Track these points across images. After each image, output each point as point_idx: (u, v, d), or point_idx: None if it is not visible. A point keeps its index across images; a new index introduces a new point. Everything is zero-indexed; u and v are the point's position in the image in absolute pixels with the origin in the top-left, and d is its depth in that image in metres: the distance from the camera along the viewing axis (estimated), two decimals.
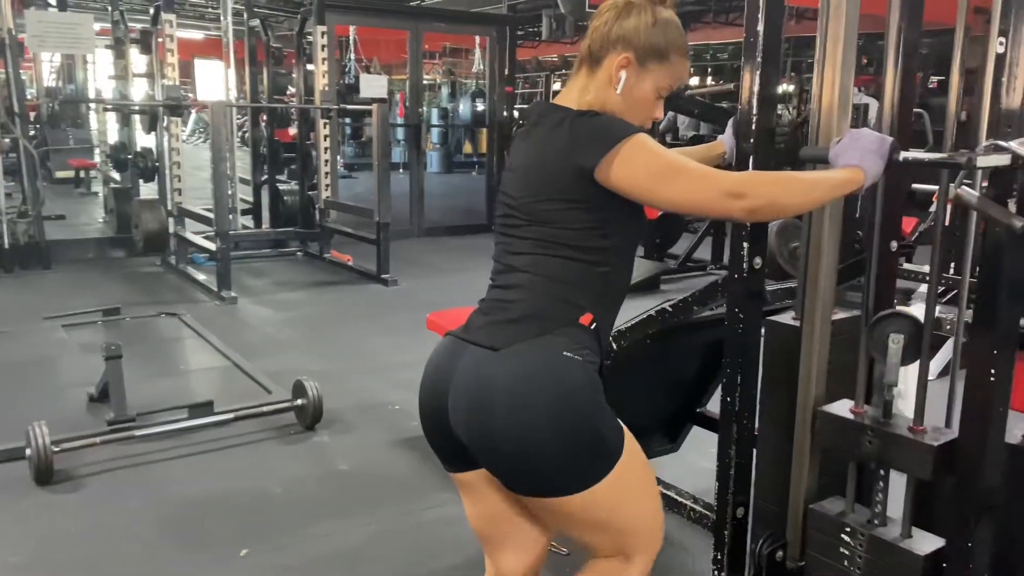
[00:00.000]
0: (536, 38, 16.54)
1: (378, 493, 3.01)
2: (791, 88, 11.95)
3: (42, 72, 12.30)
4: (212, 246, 6.03)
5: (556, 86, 21.47)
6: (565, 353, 1.44)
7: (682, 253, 7.15)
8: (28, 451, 2.97)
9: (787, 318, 2.04)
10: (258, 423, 3.53)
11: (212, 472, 3.14)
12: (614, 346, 2.41)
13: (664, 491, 2.38)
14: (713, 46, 16.26)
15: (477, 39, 13.99)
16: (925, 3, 1.93)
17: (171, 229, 6.73)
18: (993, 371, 1.54)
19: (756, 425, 2.04)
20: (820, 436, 1.87)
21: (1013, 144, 1.45)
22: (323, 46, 7.02)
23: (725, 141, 1.96)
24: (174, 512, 2.83)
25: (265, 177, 8.16)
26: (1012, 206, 1.47)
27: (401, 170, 15.27)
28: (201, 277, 6.37)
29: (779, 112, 9.32)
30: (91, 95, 10.75)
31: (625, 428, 1.53)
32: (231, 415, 3.43)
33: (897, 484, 1.75)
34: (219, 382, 4.01)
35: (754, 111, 1.86)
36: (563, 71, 21.50)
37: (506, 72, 9.28)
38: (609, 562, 1.58)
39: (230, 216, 6.55)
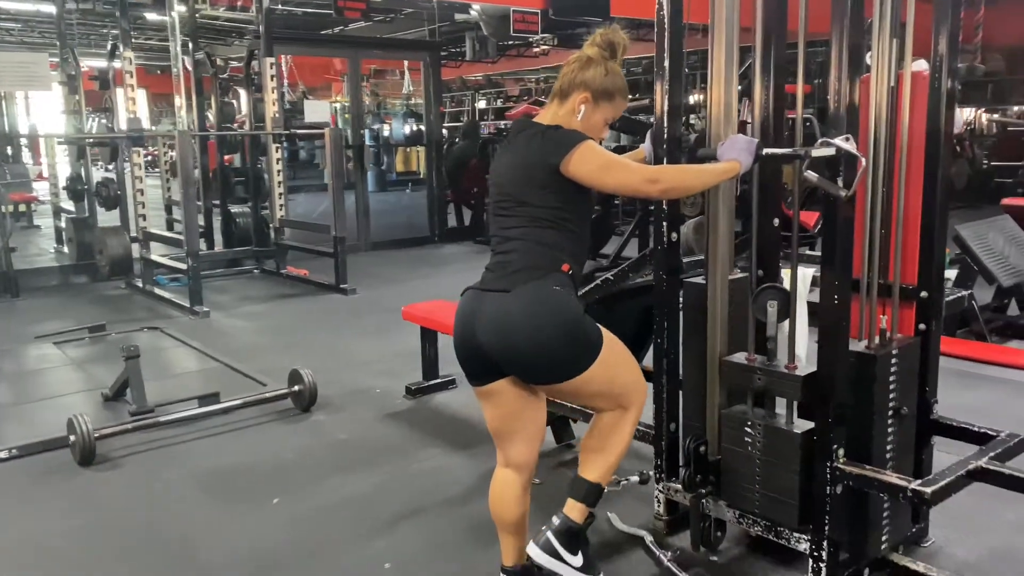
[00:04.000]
0: (460, 58, 17.20)
1: (375, 454, 3.58)
2: (702, 98, 12.86)
3: None
4: (182, 266, 6.46)
5: (481, 104, 22.22)
6: (555, 287, 2.13)
7: (612, 252, 7.87)
8: (72, 438, 3.44)
9: (699, 279, 2.71)
10: (260, 409, 4.06)
11: (231, 448, 3.67)
12: None
13: None
14: (628, 61, 17.19)
15: (406, 63, 14.60)
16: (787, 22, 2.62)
17: (135, 253, 7.13)
18: (836, 297, 2.23)
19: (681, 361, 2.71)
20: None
21: (836, 140, 2.15)
22: (272, 76, 7.52)
23: (645, 147, 2.62)
24: (207, 479, 3.35)
25: (217, 201, 8.61)
26: (839, 181, 2.17)
27: None
28: (168, 296, 6.79)
29: (692, 122, 10.17)
30: (24, 130, 10.98)
31: (600, 326, 2.21)
32: (238, 401, 3.95)
33: None
34: (216, 380, 4.48)
35: (665, 123, 2.53)
36: (487, 89, 22.29)
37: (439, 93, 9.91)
38: (612, 414, 2.28)
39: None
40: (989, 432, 2.52)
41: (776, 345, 2.44)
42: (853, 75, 2.19)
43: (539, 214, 2.15)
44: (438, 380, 4.34)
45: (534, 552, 2.26)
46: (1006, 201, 7.80)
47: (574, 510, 2.29)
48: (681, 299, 2.71)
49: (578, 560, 2.27)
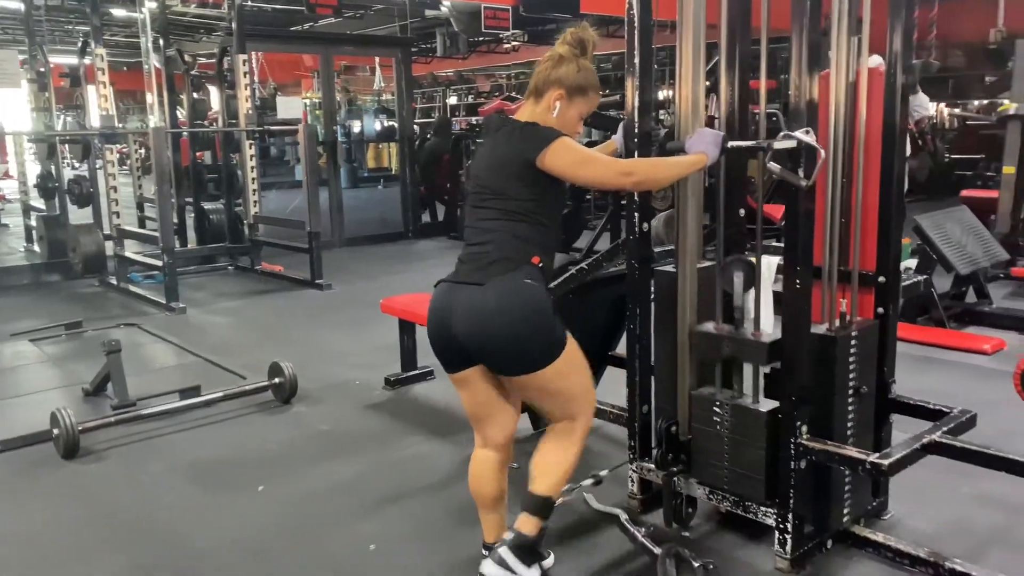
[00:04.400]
0: (430, 54, 17.22)
1: (358, 443, 3.66)
2: (671, 94, 13.03)
3: None
4: (157, 263, 6.47)
5: (452, 99, 22.28)
6: (526, 280, 2.21)
7: (585, 246, 7.99)
8: (55, 431, 3.48)
9: (670, 268, 2.82)
10: (241, 402, 4.12)
11: (213, 440, 3.73)
12: None
13: None
14: (598, 57, 17.34)
15: (378, 59, 14.60)
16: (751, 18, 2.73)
17: (108, 251, 7.12)
18: (798, 281, 2.36)
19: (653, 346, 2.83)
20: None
21: (797, 133, 2.27)
22: (245, 73, 7.54)
23: (617, 140, 2.73)
24: (192, 469, 3.41)
25: (189, 198, 8.60)
26: (800, 172, 2.30)
27: None
28: (143, 293, 6.79)
29: (662, 118, 10.37)
30: None
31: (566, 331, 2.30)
32: (220, 394, 4.01)
33: (748, 373, 2.56)
34: (196, 374, 4.51)
35: (636, 118, 2.64)
36: (458, 85, 22.35)
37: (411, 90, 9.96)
38: (561, 425, 2.38)
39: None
40: (943, 409, 2.66)
41: (743, 315, 2.55)
42: (812, 71, 2.31)
43: (513, 207, 2.24)
44: (416, 371, 4.42)
45: (487, 569, 2.33)
46: (965, 193, 8.06)
47: (526, 524, 2.35)
48: (652, 287, 2.83)
49: (533, 572, 2.35)
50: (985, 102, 12.41)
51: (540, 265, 2.27)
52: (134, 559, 2.74)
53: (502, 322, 2.19)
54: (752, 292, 2.53)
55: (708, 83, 2.83)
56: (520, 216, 2.25)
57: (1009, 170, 6.67)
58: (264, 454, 3.56)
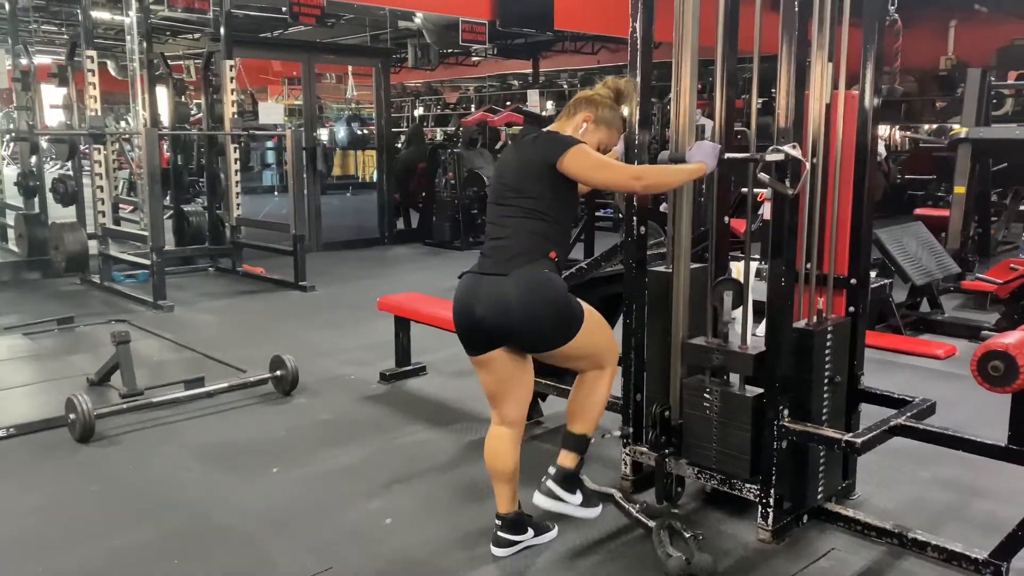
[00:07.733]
0: (399, 65, 17.38)
1: (361, 430, 3.86)
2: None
3: None
4: (144, 262, 6.58)
5: (419, 111, 22.45)
6: (544, 271, 2.50)
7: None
8: (72, 416, 3.62)
9: (662, 268, 3.09)
10: (243, 394, 4.29)
11: (222, 427, 3.90)
12: None
13: None
14: (568, 71, 17.73)
15: (350, 68, 14.76)
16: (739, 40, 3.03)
17: (92, 250, 7.20)
18: (782, 281, 2.64)
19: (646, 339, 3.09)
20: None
21: (785, 147, 2.56)
22: (231, 78, 7.68)
23: (619, 151, 3.00)
24: (206, 452, 3.59)
25: (167, 200, 8.68)
26: (787, 182, 2.59)
27: (276, 193, 15.84)
28: (127, 292, 6.88)
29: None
30: None
31: (581, 300, 2.61)
32: (224, 385, 4.18)
33: None
34: (195, 368, 4.66)
35: (636, 131, 2.92)
36: (426, 96, 22.55)
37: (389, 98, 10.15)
38: (591, 373, 2.72)
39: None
40: (906, 398, 2.97)
41: (730, 329, 2.84)
42: (800, 91, 2.61)
43: (531, 205, 2.52)
44: (410, 367, 4.63)
45: (539, 500, 2.69)
46: (918, 211, 8.53)
47: (567, 459, 2.71)
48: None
49: (577, 498, 2.72)
50: (935, 126, 13.01)
51: (555, 259, 2.55)
52: (161, 530, 2.91)
53: (525, 311, 2.46)
54: (739, 310, 2.81)
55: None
56: (538, 214, 2.52)
57: (960, 190, 7.11)
58: (273, 439, 3.74)
